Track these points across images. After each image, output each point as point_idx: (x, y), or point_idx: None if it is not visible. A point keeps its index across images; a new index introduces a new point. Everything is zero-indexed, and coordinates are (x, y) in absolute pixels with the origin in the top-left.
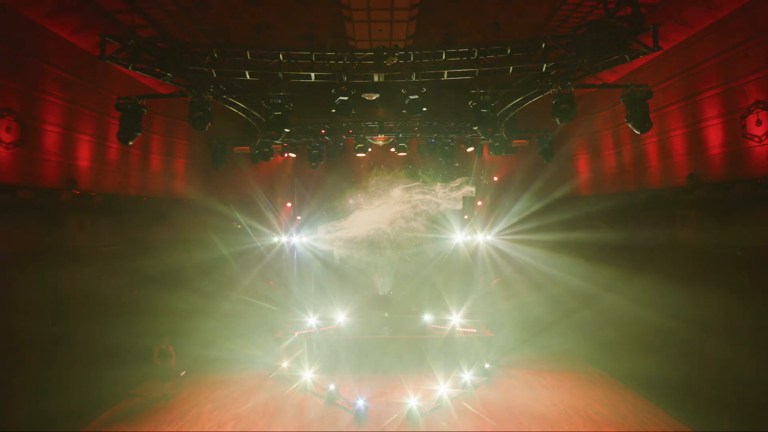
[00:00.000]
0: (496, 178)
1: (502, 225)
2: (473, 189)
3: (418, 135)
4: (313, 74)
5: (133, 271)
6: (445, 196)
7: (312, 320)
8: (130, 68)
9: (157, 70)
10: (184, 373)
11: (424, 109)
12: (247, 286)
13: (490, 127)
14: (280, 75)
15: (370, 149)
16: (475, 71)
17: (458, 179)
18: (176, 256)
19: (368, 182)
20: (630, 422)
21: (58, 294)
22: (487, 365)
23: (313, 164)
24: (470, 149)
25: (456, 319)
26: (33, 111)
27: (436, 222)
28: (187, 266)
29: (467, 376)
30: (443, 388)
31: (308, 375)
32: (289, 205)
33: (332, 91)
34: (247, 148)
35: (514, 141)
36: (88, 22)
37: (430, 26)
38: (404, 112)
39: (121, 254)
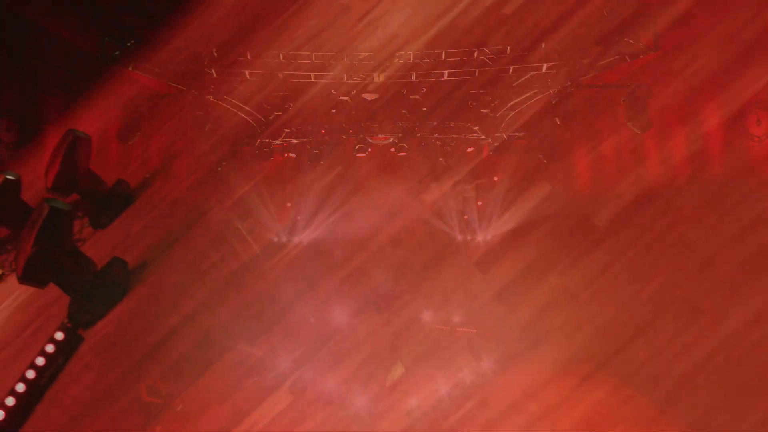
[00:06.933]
0: (496, 178)
1: (501, 225)
2: (473, 189)
3: (418, 135)
4: (312, 74)
5: (133, 272)
6: (445, 195)
7: (312, 320)
8: (130, 68)
9: (158, 70)
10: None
11: (424, 109)
12: (246, 285)
13: (490, 127)
14: (280, 75)
15: (369, 149)
16: (475, 71)
17: (458, 179)
18: (176, 257)
19: (368, 182)
20: (630, 422)
21: (57, 296)
22: (487, 364)
23: (313, 164)
24: (470, 149)
25: (456, 318)
26: (33, 111)
27: (436, 222)
28: (186, 267)
29: (467, 375)
30: (443, 388)
31: (308, 374)
32: (289, 205)
33: (332, 91)
34: (248, 148)
35: (514, 141)
36: (88, 22)
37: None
38: (404, 112)
39: (121, 255)
